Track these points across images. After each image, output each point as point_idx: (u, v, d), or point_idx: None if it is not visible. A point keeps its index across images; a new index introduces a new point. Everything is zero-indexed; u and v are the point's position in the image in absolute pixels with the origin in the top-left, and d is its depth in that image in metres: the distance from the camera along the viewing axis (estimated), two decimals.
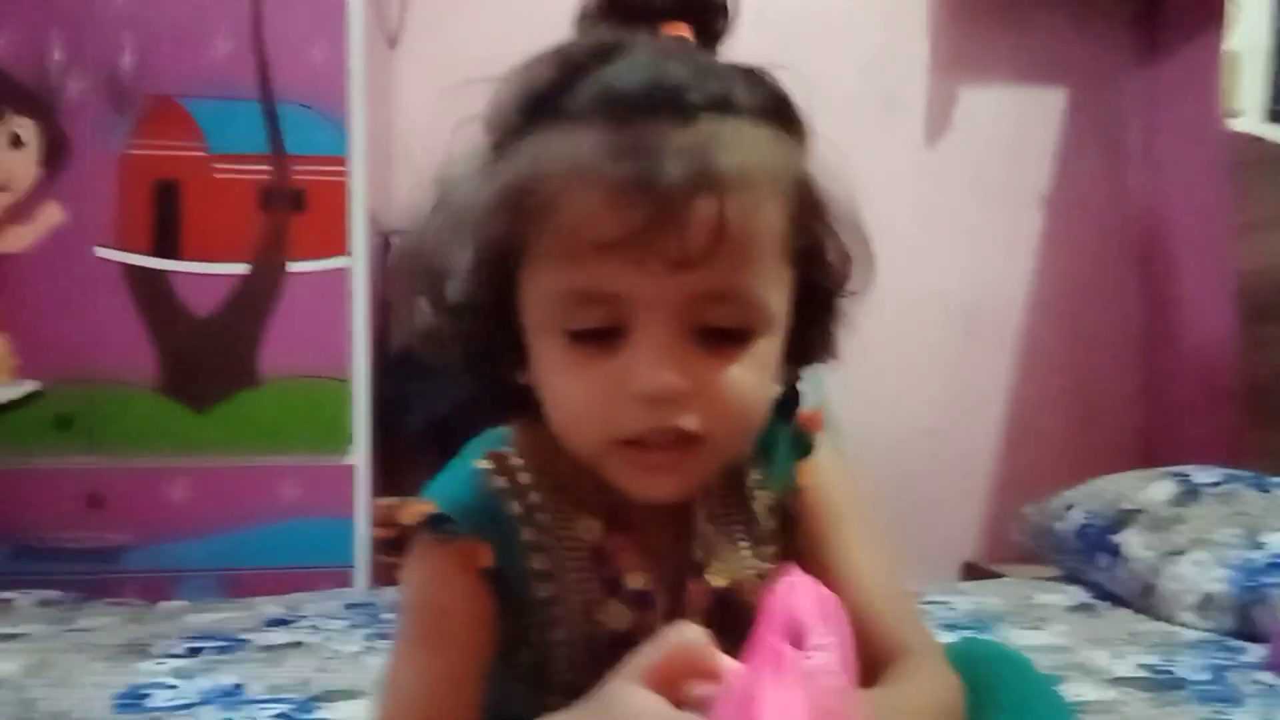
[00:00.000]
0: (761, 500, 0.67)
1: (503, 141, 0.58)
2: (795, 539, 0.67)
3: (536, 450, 0.63)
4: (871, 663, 0.59)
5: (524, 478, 0.63)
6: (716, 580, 0.64)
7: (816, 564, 0.65)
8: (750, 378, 0.56)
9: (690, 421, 0.55)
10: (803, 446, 0.69)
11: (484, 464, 0.63)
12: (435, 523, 0.60)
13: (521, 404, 0.62)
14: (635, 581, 0.63)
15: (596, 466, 0.59)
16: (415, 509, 0.61)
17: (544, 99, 0.57)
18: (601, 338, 0.54)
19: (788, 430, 0.69)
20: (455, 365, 0.63)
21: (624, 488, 0.58)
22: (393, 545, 0.63)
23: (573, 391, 0.56)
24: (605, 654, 0.58)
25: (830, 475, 0.69)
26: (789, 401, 0.69)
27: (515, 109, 0.58)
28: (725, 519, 0.66)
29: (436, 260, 0.60)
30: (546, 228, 0.54)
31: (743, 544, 0.66)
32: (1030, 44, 2.60)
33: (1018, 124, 2.59)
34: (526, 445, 0.64)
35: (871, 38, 2.55)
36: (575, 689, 0.57)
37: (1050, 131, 2.61)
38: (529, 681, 0.62)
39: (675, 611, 0.62)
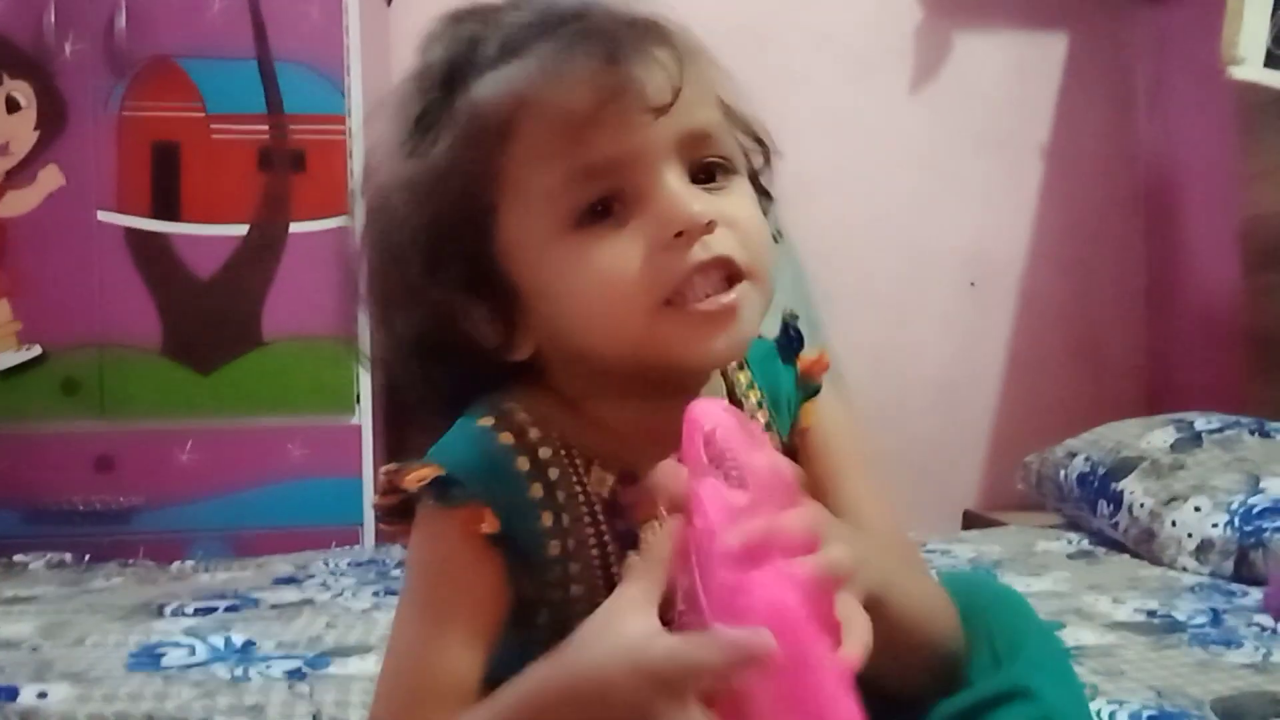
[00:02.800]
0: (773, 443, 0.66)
1: (428, 115, 0.60)
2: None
3: (542, 406, 0.62)
4: None
5: (532, 433, 0.61)
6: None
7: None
8: (751, 205, 0.60)
9: (730, 246, 0.57)
10: (808, 389, 0.69)
11: (488, 421, 0.61)
12: (440, 487, 0.58)
13: (514, 375, 0.62)
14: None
15: (644, 354, 0.57)
16: (419, 473, 0.59)
17: (466, 57, 0.59)
18: (612, 213, 0.57)
19: (792, 373, 0.69)
20: (434, 372, 0.62)
21: (682, 357, 0.57)
22: (394, 512, 0.62)
23: (606, 269, 0.56)
24: None
25: (832, 418, 0.69)
26: (792, 343, 0.70)
27: (435, 82, 0.60)
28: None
29: (393, 262, 0.60)
30: (522, 140, 0.56)
31: None
32: None
33: (1019, 71, 2.55)
34: (530, 403, 0.62)
35: None
36: None
37: (1052, 78, 2.58)
38: (550, 641, 0.59)
39: None
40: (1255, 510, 1.44)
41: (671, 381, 0.60)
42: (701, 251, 0.56)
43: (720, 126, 0.60)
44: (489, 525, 0.58)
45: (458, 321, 0.60)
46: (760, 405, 0.67)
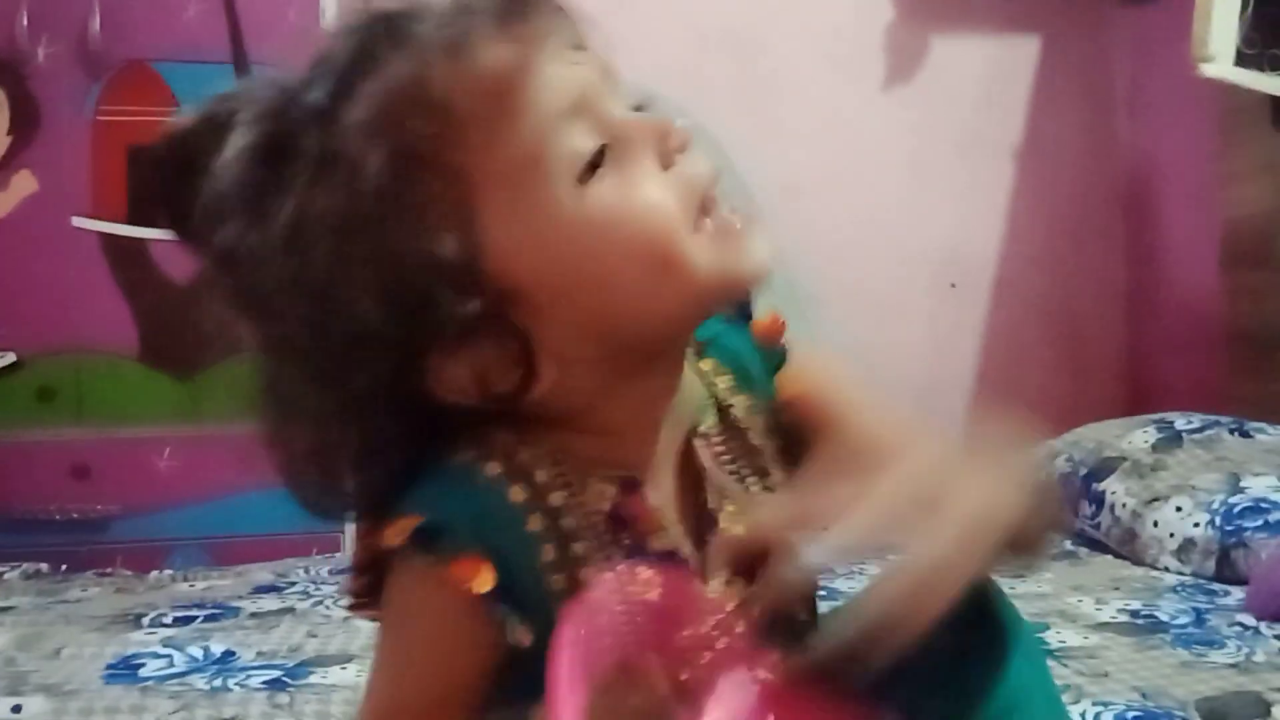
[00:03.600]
0: (754, 425, 0.63)
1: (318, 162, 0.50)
2: (806, 448, 0.62)
3: (524, 424, 0.54)
4: None
5: (523, 454, 0.53)
6: (734, 528, 0.59)
7: (837, 446, 0.61)
8: None
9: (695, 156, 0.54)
10: (773, 357, 0.65)
11: (467, 455, 0.53)
12: (423, 538, 0.50)
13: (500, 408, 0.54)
14: (660, 542, 0.56)
15: (700, 281, 0.52)
16: (397, 526, 0.50)
17: (319, 78, 0.51)
18: (604, 160, 0.51)
19: (753, 346, 0.65)
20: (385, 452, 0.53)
21: (738, 268, 0.53)
22: (371, 591, 0.53)
23: (637, 201, 0.51)
24: None
25: (816, 374, 0.65)
26: (743, 315, 0.66)
27: (301, 122, 0.51)
28: (729, 460, 0.62)
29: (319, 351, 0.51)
30: (464, 127, 0.49)
31: (750, 481, 0.62)
32: None
33: (995, 73, 2.56)
34: (510, 424, 0.54)
35: None
36: None
37: (1028, 79, 2.59)
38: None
39: (702, 568, 0.58)
40: (1236, 510, 1.44)
41: (684, 342, 0.57)
42: (707, 164, 0.54)
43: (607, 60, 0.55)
44: (483, 582, 0.50)
45: (447, 383, 0.51)
46: (733, 389, 0.63)
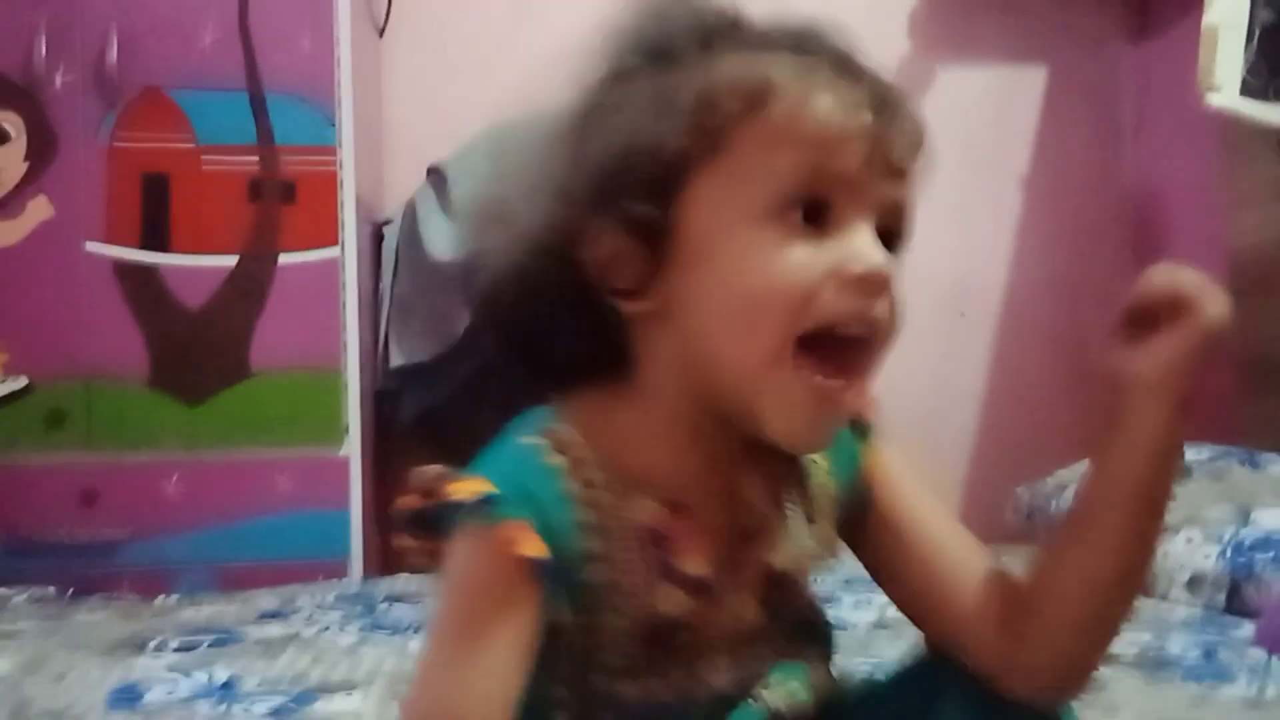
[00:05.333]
0: (823, 482, 0.66)
1: (673, 54, 0.59)
2: (867, 525, 0.67)
3: (592, 424, 0.60)
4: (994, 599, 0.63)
5: (582, 453, 0.59)
6: (777, 561, 0.62)
7: (892, 540, 0.66)
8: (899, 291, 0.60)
9: (883, 309, 0.58)
10: (861, 431, 0.68)
11: (535, 440, 0.59)
12: (484, 503, 0.56)
13: (594, 365, 0.61)
14: (692, 566, 0.60)
15: (750, 382, 0.56)
16: (468, 485, 0.56)
17: (722, 30, 0.60)
18: (813, 224, 0.56)
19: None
20: (542, 311, 0.60)
21: (783, 424, 0.57)
22: (416, 521, 0.59)
23: (778, 267, 0.55)
24: (658, 639, 0.59)
25: (897, 455, 0.69)
26: None
27: (682, 38, 0.60)
28: (782, 497, 0.64)
29: (570, 161, 0.59)
30: (768, 119, 0.56)
31: (797, 523, 0.64)
32: (1011, 20, 2.59)
33: (1002, 102, 2.58)
34: (580, 420, 0.60)
35: (850, 19, 2.53)
36: (624, 672, 0.58)
37: (1034, 108, 2.60)
38: (576, 663, 0.59)
39: (734, 594, 0.61)
40: (1246, 542, 1.43)
41: (740, 433, 0.59)
42: (865, 300, 0.56)
43: (912, 205, 0.61)
44: (533, 548, 0.56)
45: (590, 250, 0.58)
46: (825, 470, 0.66)
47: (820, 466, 0.66)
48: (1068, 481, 1.82)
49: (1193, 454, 1.73)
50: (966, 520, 0.68)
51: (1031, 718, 0.63)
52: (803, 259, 0.55)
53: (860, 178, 0.57)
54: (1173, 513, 1.70)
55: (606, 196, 0.58)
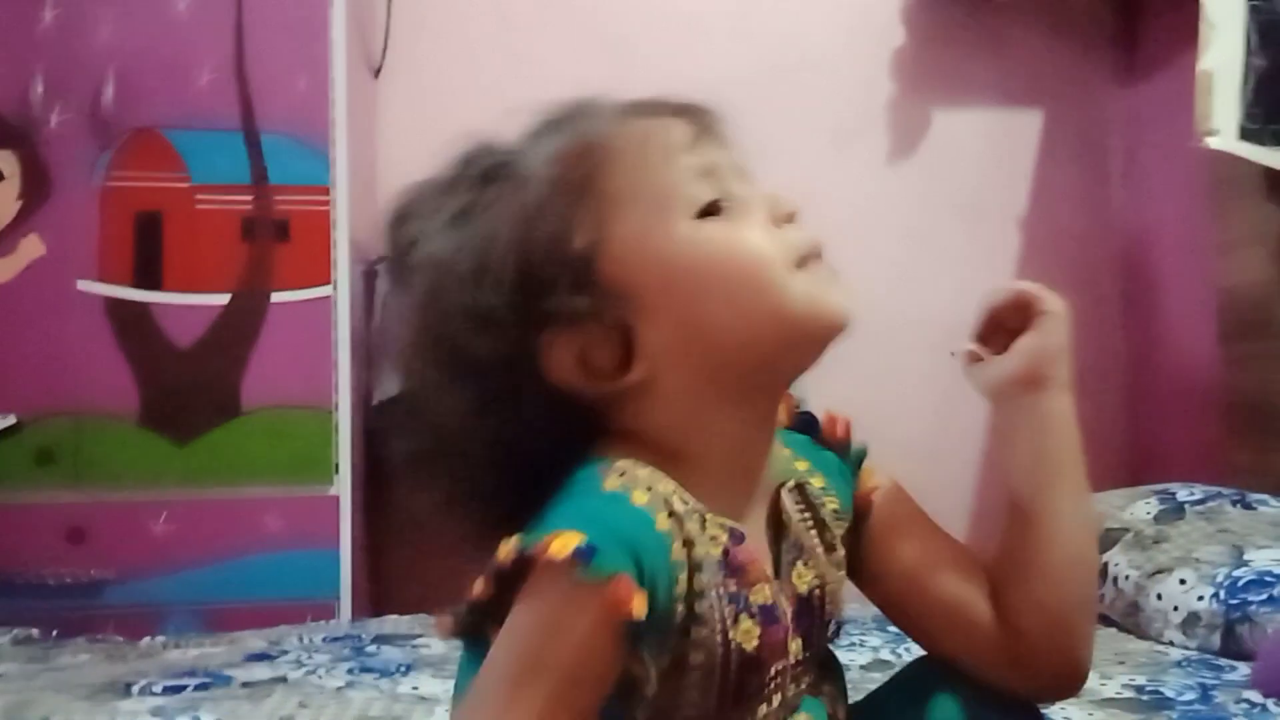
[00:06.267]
0: (829, 506, 0.67)
1: (494, 171, 0.64)
2: (864, 544, 0.69)
3: (645, 460, 0.58)
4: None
5: (662, 487, 0.56)
6: (802, 585, 0.63)
7: (896, 555, 0.68)
8: None
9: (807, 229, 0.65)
10: (853, 454, 0.71)
11: (617, 480, 0.56)
12: (585, 556, 0.51)
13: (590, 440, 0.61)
14: (760, 596, 0.59)
15: (787, 314, 0.60)
16: (560, 540, 0.52)
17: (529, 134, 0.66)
18: (722, 211, 0.62)
19: (824, 446, 0.71)
20: (507, 432, 0.60)
21: (823, 310, 0.62)
22: (481, 610, 0.54)
23: (743, 238, 0.61)
24: (735, 678, 0.58)
25: (891, 476, 0.72)
26: (809, 421, 0.72)
27: (493, 154, 0.65)
28: (804, 523, 0.66)
29: (463, 313, 0.60)
30: (627, 158, 0.62)
31: (820, 549, 0.66)
32: (1006, 65, 2.62)
33: (995, 146, 2.61)
34: (636, 458, 0.58)
35: (845, 63, 2.57)
36: (701, 717, 0.57)
37: (1028, 152, 2.63)
38: (654, 713, 0.56)
39: (801, 627, 0.62)
40: (1240, 583, 1.43)
41: (775, 381, 0.64)
42: (809, 230, 0.63)
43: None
44: (639, 608, 0.52)
45: (554, 361, 0.60)
46: (811, 472, 0.68)
47: (816, 484, 0.67)
48: None
49: (1184, 494, 1.73)
50: None
51: (1024, 718, 0.65)
52: (747, 230, 0.61)
53: (725, 161, 0.64)
54: (1166, 553, 1.70)
55: (534, 311, 0.59)
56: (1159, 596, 1.50)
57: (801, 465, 0.68)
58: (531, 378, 0.60)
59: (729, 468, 0.62)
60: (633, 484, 0.56)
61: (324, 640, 1.56)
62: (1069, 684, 0.66)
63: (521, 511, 0.57)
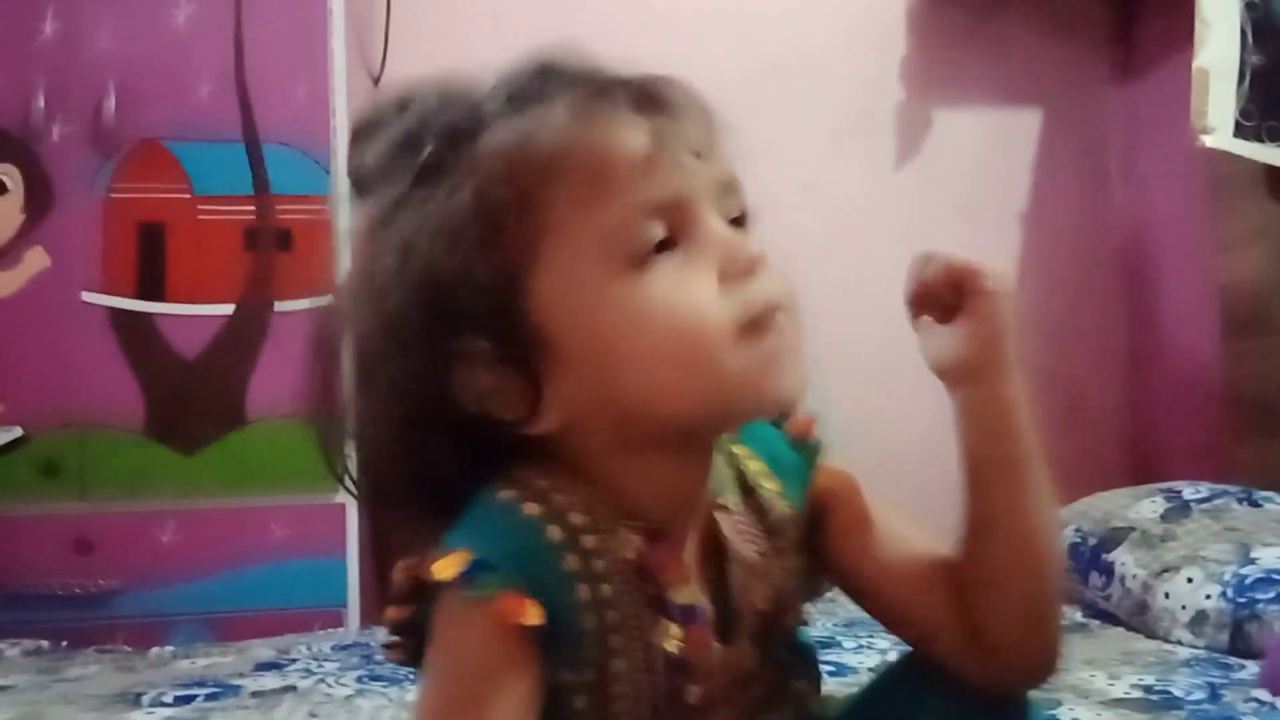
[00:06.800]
0: (780, 509, 0.65)
1: (431, 170, 0.56)
2: (825, 543, 0.67)
3: (556, 472, 0.57)
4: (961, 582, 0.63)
5: (558, 499, 0.56)
6: (759, 602, 0.62)
7: (856, 552, 0.66)
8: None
9: (769, 280, 0.57)
10: (808, 450, 0.68)
11: (508, 494, 0.56)
12: (470, 574, 0.52)
13: (507, 451, 0.58)
14: (681, 596, 0.58)
15: (718, 393, 0.54)
16: (445, 561, 0.52)
17: (467, 113, 0.57)
18: (670, 250, 0.55)
19: (784, 440, 0.68)
20: (422, 450, 0.57)
21: (758, 393, 0.56)
22: (407, 627, 0.56)
23: (683, 299, 0.54)
24: (663, 681, 0.57)
25: (847, 475, 0.69)
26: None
27: (432, 139, 0.57)
28: (749, 534, 0.64)
29: (387, 326, 0.56)
30: (567, 182, 0.54)
31: (770, 559, 0.64)
32: (1005, 65, 2.63)
33: (995, 144, 2.61)
34: (543, 471, 0.57)
35: (845, 63, 2.57)
36: None
37: (1028, 151, 2.64)
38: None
39: (724, 630, 0.60)
40: (1248, 581, 1.43)
41: (703, 439, 0.60)
42: (770, 283, 0.56)
43: (739, 179, 0.60)
44: (531, 616, 0.53)
45: (462, 392, 0.55)
46: (763, 473, 0.66)
47: (772, 490, 0.65)
48: (1064, 520, 1.81)
49: (1191, 493, 1.73)
50: None
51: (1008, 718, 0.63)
52: (692, 285, 0.54)
53: (684, 185, 0.55)
54: (1174, 552, 1.70)
55: (447, 341, 0.55)
56: (1166, 595, 1.50)
57: (755, 466, 0.66)
58: (444, 399, 0.56)
59: (653, 493, 0.59)
60: (526, 495, 0.56)
61: (332, 649, 1.57)
62: (1039, 674, 0.64)
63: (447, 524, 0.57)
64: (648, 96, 0.56)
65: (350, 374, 0.59)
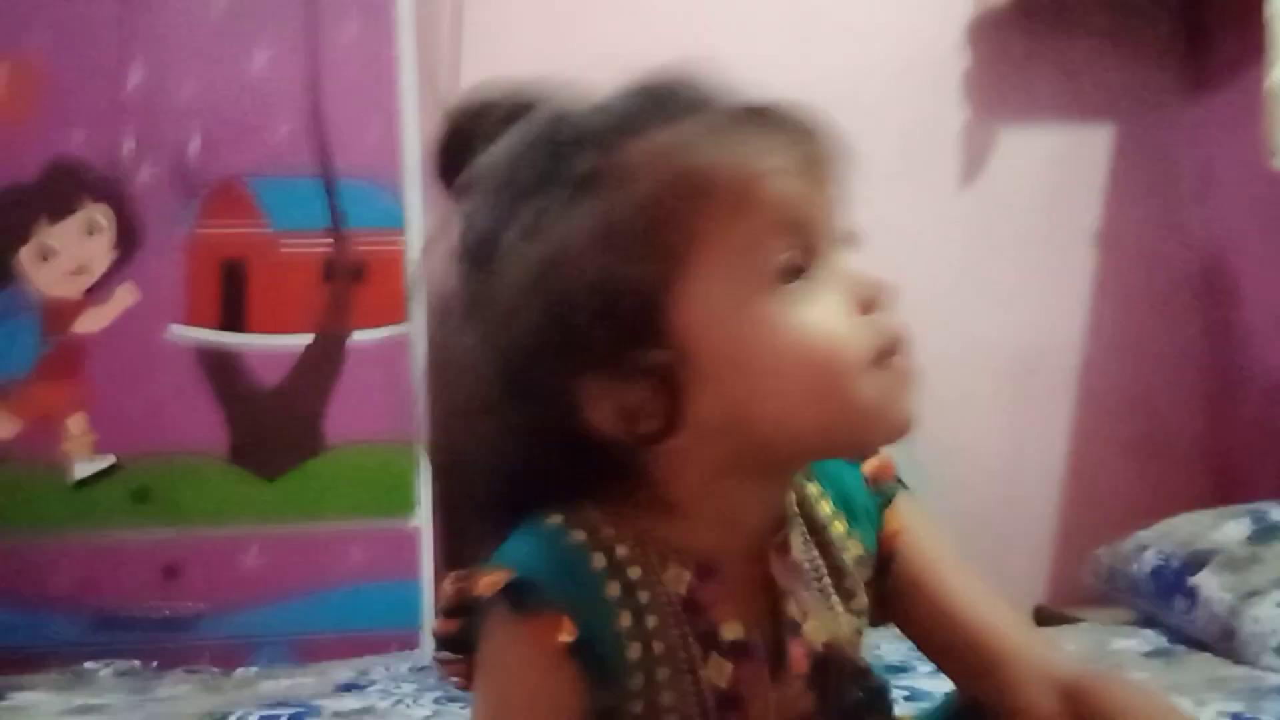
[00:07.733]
0: (851, 552, 0.65)
1: (571, 177, 0.56)
2: (889, 586, 0.67)
3: (615, 500, 0.58)
4: (1008, 676, 0.63)
5: (606, 530, 0.57)
6: (815, 638, 0.61)
7: (920, 602, 0.66)
8: None
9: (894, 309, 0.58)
10: (883, 493, 0.68)
11: (556, 519, 0.57)
12: (512, 592, 0.54)
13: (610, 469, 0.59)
14: (732, 632, 0.59)
15: (844, 416, 0.55)
16: (489, 578, 0.55)
17: (612, 120, 0.58)
18: (806, 271, 0.56)
19: (858, 478, 0.68)
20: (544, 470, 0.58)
21: (882, 419, 0.57)
22: (455, 641, 0.58)
23: (822, 322, 0.55)
24: (714, 716, 0.58)
25: (918, 518, 0.69)
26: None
27: (575, 144, 0.57)
28: (814, 572, 0.64)
29: (513, 348, 0.56)
30: (720, 193, 0.55)
31: (834, 598, 0.64)
32: (1072, 80, 2.59)
33: (1065, 162, 2.57)
34: (604, 499, 0.59)
35: (909, 84, 2.56)
36: None
37: (1099, 168, 2.59)
38: None
39: (776, 666, 0.60)
40: None
41: (798, 468, 0.61)
42: (895, 315, 0.57)
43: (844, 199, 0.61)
44: (567, 634, 0.54)
45: (596, 408, 0.55)
46: (835, 514, 0.66)
47: (840, 531, 0.65)
48: (1147, 543, 1.77)
49: (1278, 514, 1.68)
50: (1048, 585, 0.67)
51: None
52: (829, 309, 0.55)
53: (824, 210, 0.57)
54: (1261, 575, 1.65)
55: (588, 354, 0.55)
56: (1255, 620, 1.45)
57: (826, 505, 0.66)
58: (565, 415, 0.56)
59: (719, 522, 0.59)
60: (574, 522, 0.57)
61: (409, 670, 1.59)
62: None
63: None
64: (795, 121, 0.58)
65: (455, 389, 0.61)
